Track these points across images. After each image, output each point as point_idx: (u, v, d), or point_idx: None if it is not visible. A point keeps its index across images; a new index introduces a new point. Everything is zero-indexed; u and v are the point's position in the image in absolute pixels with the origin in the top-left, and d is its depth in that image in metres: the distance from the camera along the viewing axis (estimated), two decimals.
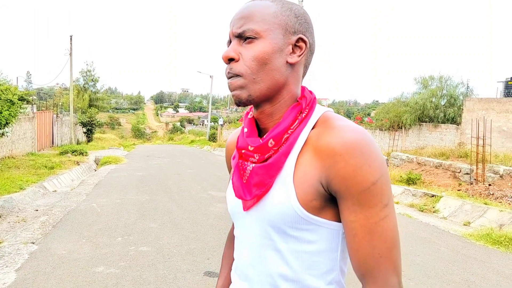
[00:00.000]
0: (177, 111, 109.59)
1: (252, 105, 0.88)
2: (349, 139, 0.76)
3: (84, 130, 28.44)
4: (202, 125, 71.65)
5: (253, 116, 0.90)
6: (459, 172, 11.70)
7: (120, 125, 69.60)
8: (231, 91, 0.85)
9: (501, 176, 10.23)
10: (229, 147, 1.05)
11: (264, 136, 0.85)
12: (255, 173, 0.84)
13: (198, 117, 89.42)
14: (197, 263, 4.16)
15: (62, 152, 16.58)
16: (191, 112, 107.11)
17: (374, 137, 21.72)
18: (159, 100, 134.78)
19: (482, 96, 18.87)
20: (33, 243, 4.78)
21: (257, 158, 0.84)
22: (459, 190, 9.73)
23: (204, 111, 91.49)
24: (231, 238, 1.14)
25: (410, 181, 10.79)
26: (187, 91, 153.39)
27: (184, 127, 71.76)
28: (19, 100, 14.17)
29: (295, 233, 0.81)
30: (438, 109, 20.23)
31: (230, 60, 0.84)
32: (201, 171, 12.53)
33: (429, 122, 19.87)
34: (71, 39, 25.26)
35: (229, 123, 41.37)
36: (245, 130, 0.90)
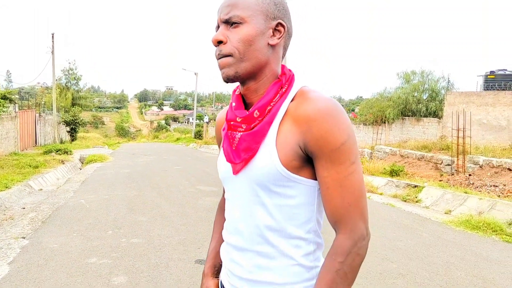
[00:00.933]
0: (162, 109, 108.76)
1: (238, 83, 1.01)
2: (322, 107, 0.90)
3: (68, 129, 28.12)
4: (188, 123, 71.31)
5: (240, 93, 1.03)
6: (440, 164, 12.02)
7: (104, 124, 68.75)
8: (220, 69, 0.97)
9: (480, 167, 10.56)
10: (219, 121, 1.18)
11: (250, 109, 0.98)
12: (243, 139, 0.97)
13: (183, 115, 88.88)
14: (188, 252, 4.27)
15: (46, 151, 16.39)
16: (176, 110, 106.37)
17: (358, 132, 22.05)
18: (143, 98, 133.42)
19: (462, 90, 19.30)
20: (24, 238, 4.81)
21: (244, 127, 0.97)
22: (440, 180, 10.01)
23: (189, 109, 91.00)
24: (221, 206, 1.27)
25: (393, 173, 11.04)
26: (172, 89, 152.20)
27: (169, 125, 71.28)
28: (1, 98, 13.99)
29: (278, 190, 0.95)
30: (420, 103, 20.63)
31: (219, 42, 0.96)
32: (188, 168, 12.57)
33: (411, 116, 20.26)
34: (53, 37, 24.87)
35: (215, 120, 41.27)
36: (233, 104, 1.03)
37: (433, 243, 4.82)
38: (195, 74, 35.75)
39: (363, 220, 0.91)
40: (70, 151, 17.42)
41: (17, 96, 19.28)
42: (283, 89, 0.97)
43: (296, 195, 0.95)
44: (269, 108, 0.96)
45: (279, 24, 0.98)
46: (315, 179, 0.95)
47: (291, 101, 0.96)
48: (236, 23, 0.94)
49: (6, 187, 8.22)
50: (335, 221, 0.92)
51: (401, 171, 11.24)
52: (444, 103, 18.31)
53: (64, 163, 13.68)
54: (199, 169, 12.10)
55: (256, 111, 0.96)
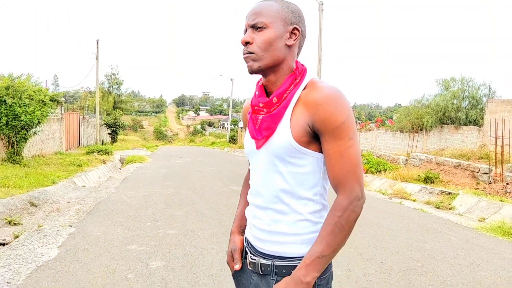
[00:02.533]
0: (198, 114, 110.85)
1: (261, 75, 1.27)
2: (326, 94, 1.14)
3: (109, 131, 29.31)
4: (223, 127, 72.34)
5: (262, 84, 1.29)
6: (477, 172, 11.74)
7: (143, 128, 70.86)
8: (246, 63, 1.23)
9: None
10: (245, 107, 1.42)
11: (270, 96, 1.23)
12: (264, 120, 1.22)
13: (218, 120, 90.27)
14: (220, 244, 4.54)
15: (88, 152, 17.27)
16: (211, 115, 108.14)
17: (395, 139, 21.74)
18: (181, 103, 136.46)
19: (505, 98, 18.63)
20: (71, 226, 5.24)
21: (265, 111, 1.23)
22: (476, 189, 9.79)
23: (225, 114, 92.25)
24: (246, 179, 1.53)
25: (427, 180, 10.90)
26: (208, 95, 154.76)
27: (204, 130, 72.58)
28: (50, 100, 14.91)
29: (291, 160, 1.19)
30: (459, 111, 20.06)
31: (247, 43, 1.22)
32: (222, 169, 12.93)
33: (450, 124, 19.75)
34: (97, 43, 26.10)
35: None
36: (257, 93, 1.29)
37: (460, 246, 4.83)
38: (231, 80, 36.43)
39: (359, 184, 1.14)
40: (111, 152, 18.24)
41: (63, 99, 20.43)
42: (297, 80, 1.21)
43: (306, 165, 1.19)
44: (285, 95, 1.20)
45: (295, 28, 1.22)
46: (321, 152, 1.18)
47: (303, 89, 1.20)
48: (260, 27, 1.19)
49: (53, 183, 8.83)
50: (336, 184, 1.16)
51: (435, 178, 11.08)
52: (485, 111, 17.75)
53: (105, 163, 14.40)
54: (233, 171, 12.42)
55: (275, 98, 1.20)
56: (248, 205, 1.38)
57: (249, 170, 1.45)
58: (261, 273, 1.25)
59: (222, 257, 4.08)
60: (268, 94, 1.27)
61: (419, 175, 11.39)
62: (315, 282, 1.15)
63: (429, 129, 20.04)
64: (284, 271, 1.20)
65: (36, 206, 6.95)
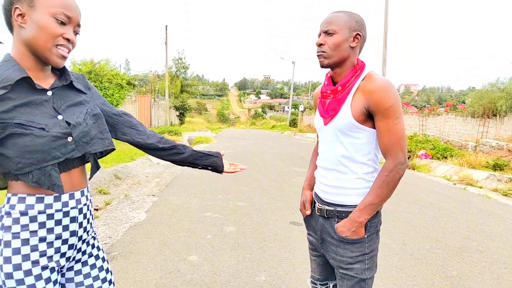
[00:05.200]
0: (259, 98, 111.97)
1: (329, 69, 1.65)
2: (379, 84, 1.50)
3: (177, 113, 30.86)
4: (283, 111, 72.61)
5: (330, 75, 1.67)
6: None
7: (207, 111, 73.07)
8: (319, 60, 1.61)
9: None
10: (316, 93, 1.82)
11: (336, 85, 1.61)
12: (330, 103, 1.62)
13: (279, 103, 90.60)
14: (284, 216, 5.00)
15: (159, 132, 18.48)
16: (272, 98, 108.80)
17: (465, 125, 20.79)
18: (242, 86, 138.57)
19: None
20: (153, 195, 5.99)
21: (332, 96, 1.62)
22: None
23: (285, 97, 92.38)
24: (315, 149, 1.93)
25: (496, 167, 10.53)
26: (269, 78, 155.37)
27: (265, 113, 73.29)
28: (127, 84, 16.14)
29: (350, 133, 1.57)
30: None
31: (320, 44, 1.60)
32: (283, 151, 13.36)
33: None
34: (166, 29, 27.31)
35: (310, 109, 41.43)
36: (325, 82, 1.69)
37: None
38: (292, 63, 36.39)
39: (402, 152, 1.51)
40: (180, 133, 19.39)
41: (136, 82, 21.90)
42: (357, 73, 1.58)
43: (362, 137, 1.56)
44: (347, 85, 1.58)
45: (358, 34, 1.58)
46: (374, 128, 1.55)
47: (362, 80, 1.56)
48: (331, 33, 1.57)
49: (132, 159, 9.80)
50: (385, 152, 1.54)
51: (505, 166, 10.64)
52: None
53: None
54: (293, 153, 12.81)
55: (340, 86, 1.59)
56: (316, 168, 1.79)
57: (317, 142, 1.84)
58: (326, 217, 1.66)
59: (286, 227, 4.54)
60: (334, 83, 1.65)
61: (487, 162, 11.02)
62: (366, 223, 1.55)
63: (503, 114, 18.88)
64: (344, 215, 1.60)
65: (120, 179, 7.85)
